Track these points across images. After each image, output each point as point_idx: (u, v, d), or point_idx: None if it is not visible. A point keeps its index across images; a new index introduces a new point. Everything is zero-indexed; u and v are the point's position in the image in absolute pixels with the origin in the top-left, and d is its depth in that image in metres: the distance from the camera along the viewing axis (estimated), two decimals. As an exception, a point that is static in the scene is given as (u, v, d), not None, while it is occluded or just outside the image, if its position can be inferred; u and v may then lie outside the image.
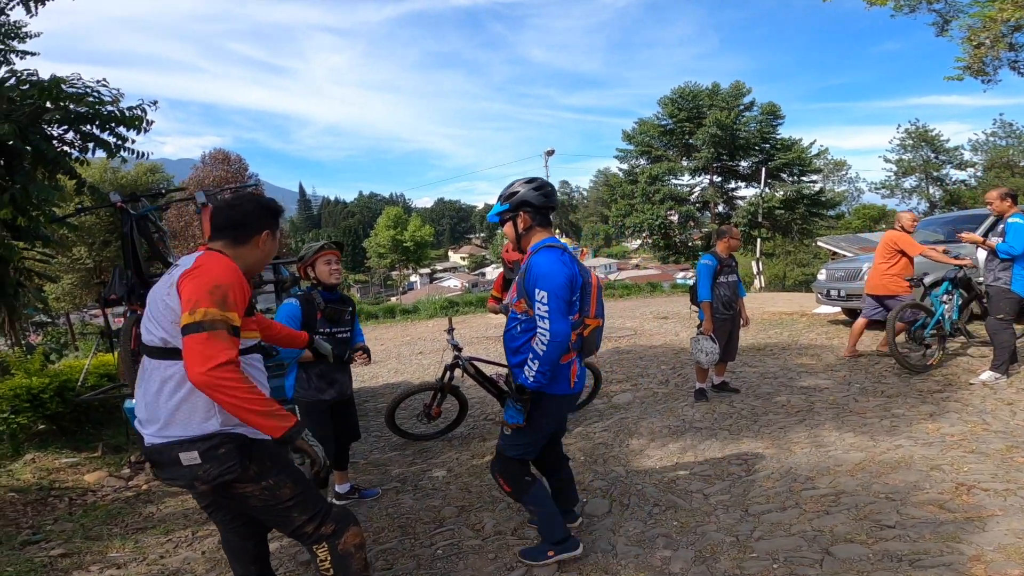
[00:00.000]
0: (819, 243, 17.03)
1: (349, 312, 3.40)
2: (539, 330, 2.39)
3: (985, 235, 5.99)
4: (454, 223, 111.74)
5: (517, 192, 2.56)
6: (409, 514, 3.44)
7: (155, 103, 4.73)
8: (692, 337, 5.04)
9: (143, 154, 4.81)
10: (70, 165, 4.58)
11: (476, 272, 69.30)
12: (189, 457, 1.73)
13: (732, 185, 30.73)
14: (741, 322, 5.28)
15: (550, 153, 25.98)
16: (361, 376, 8.39)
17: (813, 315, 10.14)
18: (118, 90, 4.53)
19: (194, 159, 27.93)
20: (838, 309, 9.16)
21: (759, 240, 25.25)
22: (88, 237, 21.39)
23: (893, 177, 38.86)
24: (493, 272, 58.40)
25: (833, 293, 8.36)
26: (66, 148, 4.57)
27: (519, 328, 2.54)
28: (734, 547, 2.70)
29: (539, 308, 2.39)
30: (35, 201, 4.46)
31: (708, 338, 4.91)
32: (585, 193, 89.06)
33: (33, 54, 5.15)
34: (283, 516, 1.90)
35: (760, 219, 25.71)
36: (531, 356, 2.42)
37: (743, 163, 29.54)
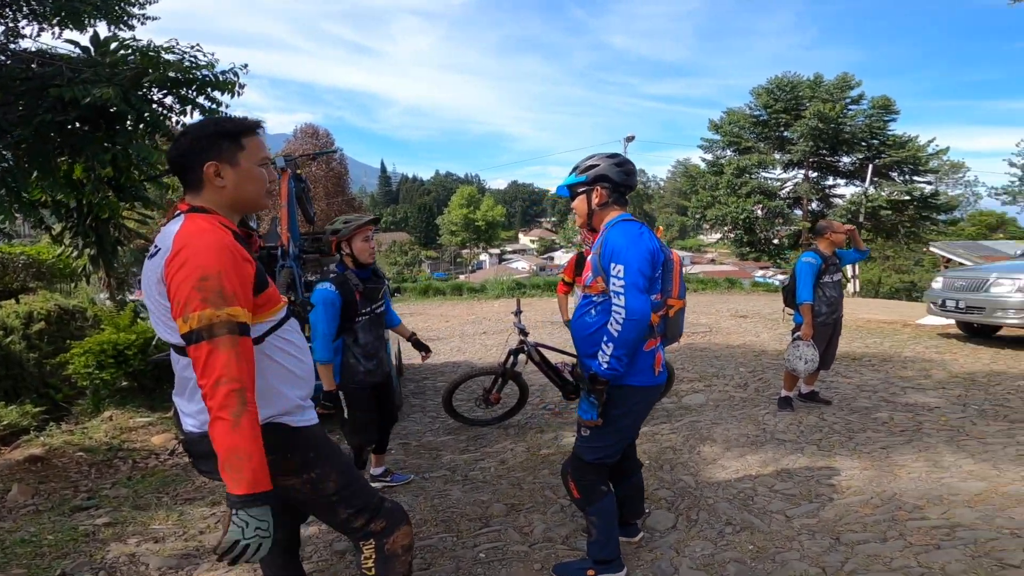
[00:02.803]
0: (932, 248, 15.40)
1: (383, 287, 3.25)
2: (614, 307, 2.12)
3: None
4: (526, 206, 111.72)
5: (597, 165, 2.32)
6: (455, 508, 3.24)
7: (245, 66, 4.83)
8: (790, 342, 4.53)
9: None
10: (168, 127, 4.76)
11: (545, 256, 68.92)
12: None
13: (830, 182, 28.50)
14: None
15: (630, 139, 24.94)
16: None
17: (918, 326, 9.14)
18: (212, 54, 4.66)
19: (288, 134, 29.53)
20: (950, 321, 8.16)
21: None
22: (187, 201, 23.01)
23: (1017, 182, 34.67)
24: (563, 256, 57.70)
25: (950, 304, 7.43)
26: (164, 111, 4.74)
27: (594, 312, 2.26)
28: (822, 583, 2.32)
29: (614, 283, 2.13)
30: (136, 161, 4.67)
31: (809, 344, 4.40)
32: (662, 183, 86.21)
33: (154, 18, 5.37)
34: (328, 509, 1.72)
35: (862, 219, 23.65)
36: (605, 339, 2.15)
37: (845, 159, 27.30)
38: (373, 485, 3.48)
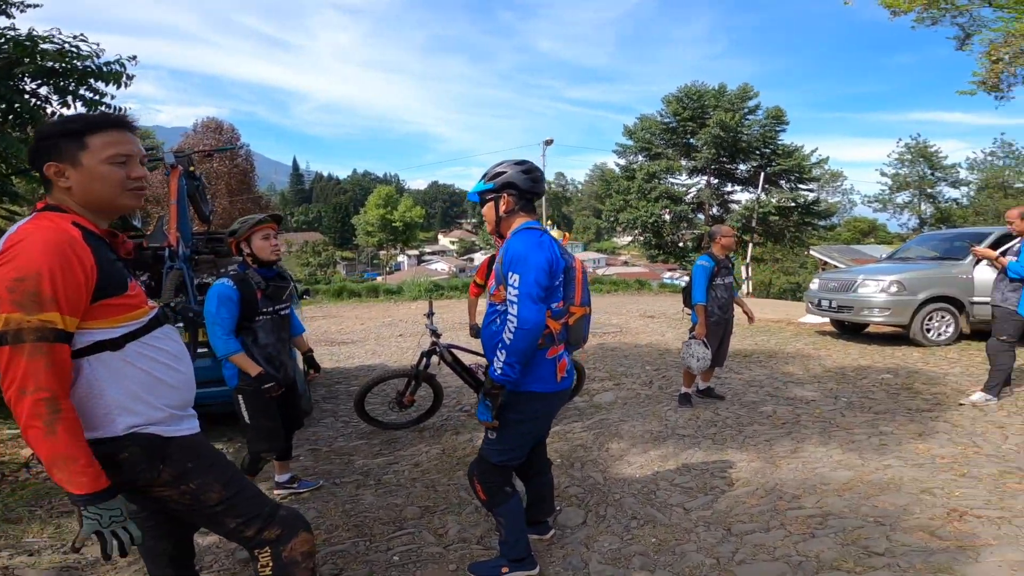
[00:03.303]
0: (812, 252, 17.02)
1: (290, 287, 3.15)
2: (508, 316, 2.16)
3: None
4: (446, 207, 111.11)
5: (504, 172, 2.35)
6: (368, 512, 3.18)
7: (134, 58, 4.64)
8: (684, 341, 4.83)
9: (121, 109, 4.70)
10: (44, 119, 4.45)
11: (465, 257, 68.91)
12: None
13: (728, 188, 30.71)
14: (747, 319, 5.17)
15: (549, 143, 25.56)
16: (336, 356, 8.13)
17: (800, 324, 10.07)
18: (97, 45, 4.43)
19: (188, 128, 27.68)
20: (826, 320, 9.07)
21: (750, 245, 25.25)
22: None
23: (887, 191, 39.14)
24: (482, 258, 57.93)
25: (824, 303, 8.25)
26: (39, 102, 4.45)
27: (499, 320, 2.29)
28: (714, 570, 2.51)
29: (510, 292, 2.17)
30: (2, 155, 4.28)
31: (700, 343, 4.71)
32: (580, 186, 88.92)
33: (35, 5, 4.92)
34: (213, 520, 1.64)
35: (754, 224, 25.69)
36: (500, 346, 2.20)
37: (742, 166, 29.52)
38: (277, 492, 3.36)
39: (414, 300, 16.60)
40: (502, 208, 2.35)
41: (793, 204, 27.83)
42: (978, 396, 4.82)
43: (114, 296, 1.46)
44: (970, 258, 7.22)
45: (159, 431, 1.54)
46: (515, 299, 2.15)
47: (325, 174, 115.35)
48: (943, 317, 7.42)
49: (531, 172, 2.36)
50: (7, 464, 3.92)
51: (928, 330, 7.39)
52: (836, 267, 11.10)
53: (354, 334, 10.48)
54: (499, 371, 2.19)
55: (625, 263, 60.34)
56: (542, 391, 2.32)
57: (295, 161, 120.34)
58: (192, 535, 1.96)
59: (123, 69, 4.48)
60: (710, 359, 4.74)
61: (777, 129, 28.48)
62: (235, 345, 2.88)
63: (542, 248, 2.23)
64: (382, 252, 60.42)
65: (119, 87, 4.49)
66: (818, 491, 3.25)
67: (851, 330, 8.68)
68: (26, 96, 4.26)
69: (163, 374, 1.57)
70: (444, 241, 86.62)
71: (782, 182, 28.67)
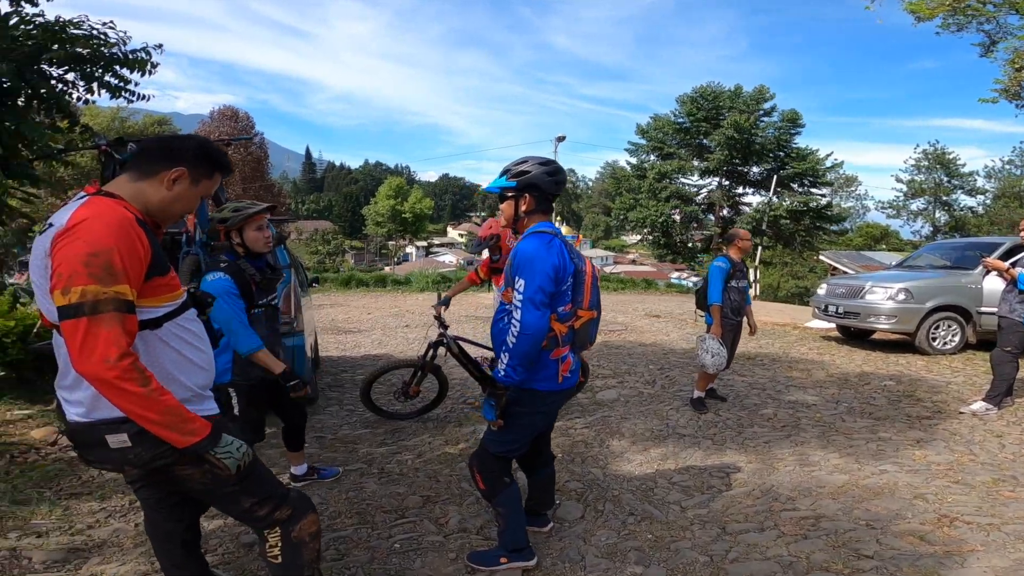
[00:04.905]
0: (821, 257, 16.92)
1: (280, 278, 3.14)
2: (512, 319, 2.21)
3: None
4: (456, 199, 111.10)
5: (529, 172, 2.33)
6: (370, 500, 3.25)
7: (159, 46, 4.62)
8: (699, 336, 4.80)
9: (146, 96, 4.73)
10: (68, 106, 4.48)
11: (473, 250, 68.86)
12: (118, 440, 1.49)
13: (740, 190, 30.50)
14: (748, 330, 5.12)
15: (561, 139, 25.47)
16: (343, 345, 8.23)
17: (805, 328, 10.06)
18: (124, 32, 4.41)
19: (204, 115, 27.97)
20: (832, 325, 9.07)
21: (760, 248, 25.11)
22: (85, 182, 21.11)
23: (902, 197, 38.73)
24: (470, 254, 57.92)
25: (831, 309, 8.26)
26: (65, 88, 4.45)
27: (506, 319, 2.33)
28: (707, 568, 2.57)
29: (516, 296, 2.21)
30: (28, 140, 4.35)
31: (716, 339, 4.66)
32: (591, 183, 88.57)
33: None
34: (229, 499, 1.71)
35: (764, 227, 25.55)
36: (504, 348, 2.25)
37: (755, 169, 29.27)
38: (295, 486, 3.33)
39: (421, 291, 16.70)
40: (522, 207, 2.36)
41: (805, 208, 27.58)
42: (978, 405, 4.83)
43: (160, 276, 1.53)
44: (980, 268, 7.20)
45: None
46: (519, 303, 2.19)
47: (337, 163, 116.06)
48: (950, 326, 7.41)
49: (556, 175, 2.36)
50: (16, 445, 3.98)
51: (934, 339, 7.39)
52: (845, 272, 11.05)
53: (361, 323, 10.59)
54: (503, 373, 2.25)
55: (632, 261, 60.21)
56: (544, 389, 2.37)
57: (308, 150, 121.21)
58: (198, 519, 2.02)
59: (148, 57, 4.46)
60: (726, 357, 4.69)
61: (792, 132, 28.21)
62: (258, 341, 2.77)
63: (550, 253, 2.24)
64: (391, 242, 60.61)
65: (144, 75, 4.48)
66: (813, 494, 3.30)
67: (856, 336, 8.68)
68: (52, 82, 4.26)
69: (191, 354, 1.64)
70: (453, 234, 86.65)
71: (795, 185, 28.44)
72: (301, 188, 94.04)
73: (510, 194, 2.36)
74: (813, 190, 29.05)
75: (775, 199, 26.84)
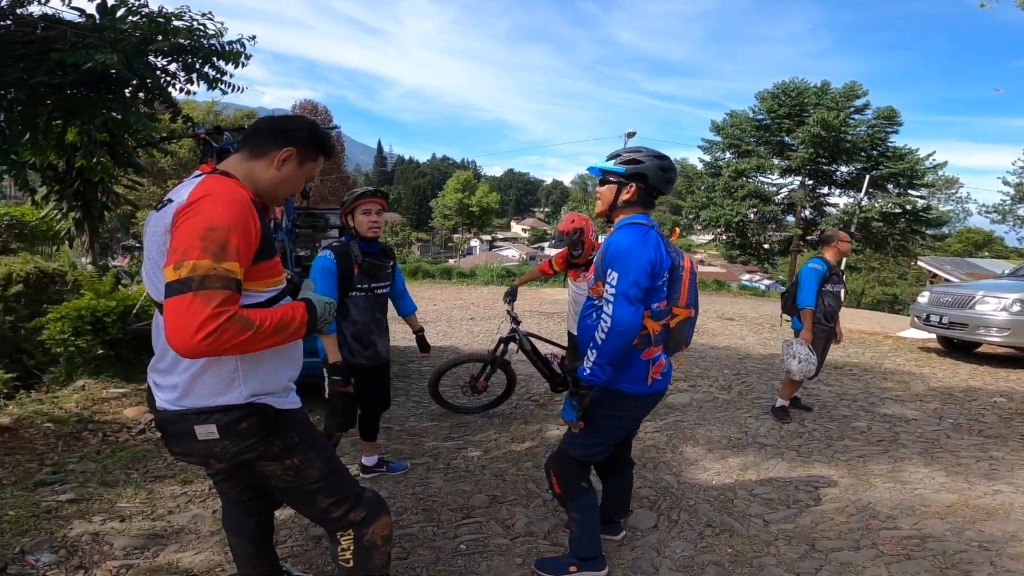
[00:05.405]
0: (920, 263, 15.56)
1: (390, 267, 3.09)
2: (603, 315, 2.06)
3: None
4: (520, 195, 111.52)
5: (641, 162, 2.17)
6: (436, 497, 3.18)
7: (253, 38, 4.72)
8: (785, 341, 4.45)
9: (240, 88, 4.86)
10: (171, 96, 4.66)
11: (535, 245, 68.85)
12: (205, 431, 1.46)
13: (825, 190, 28.63)
14: (834, 338, 4.72)
15: (631, 135, 24.77)
16: (410, 335, 8.31)
17: (899, 338, 9.27)
18: (222, 23, 4.54)
19: (287, 109, 29.47)
20: (931, 336, 8.29)
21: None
22: (183, 172, 22.72)
23: (1008, 201, 35.12)
24: (550, 250, 57.70)
25: (934, 318, 7.53)
26: (167, 78, 4.64)
27: (595, 315, 2.17)
28: (797, 590, 2.35)
29: (607, 290, 2.06)
30: (132, 128, 4.57)
31: (805, 345, 4.31)
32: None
33: None
34: (307, 498, 1.66)
35: (853, 229, 23.85)
36: (591, 345, 2.10)
37: (843, 168, 27.34)
38: (364, 477, 3.36)
39: (486, 285, 16.79)
40: (624, 196, 2.20)
41: (900, 210, 25.48)
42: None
43: (267, 260, 1.51)
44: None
45: (273, 402, 1.56)
46: (611, 298, 2.04)
47: (407, 157, 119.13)
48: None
49: (669, 171, 2.20)
50: (109, 423, 4.13)
51: (1055, 356, 6.57)
52: (948, 280, 10.07)
53: (426, 315, 10.72)
54: (588, 371, 2.11)
55: (701, 262, 58.16)
56: (632, 391, 2.21)
57: (379, 144, 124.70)
58: (272, 514, 2.00)
59: (243, 49, 4.57)
60: (815, 363, 4.32)
61: (888, 130, 26.14)
62: (333, 324, 2.81)
63: (646, 246, 2.10)
64: (456, 235, 61.57)
65: (237, 66, 4.59)
66: (917, 512, 3.05)
67: (960, 348, 7.88)
68: (157, 72, 4.41)
69: (289, 345, 1.60)
70: (517, 228, 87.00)
71: (889, 186, 26.34)
72: (373, 180, 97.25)
73: (614, 179, 2.21)
74: (910, 191, 26.78)
75: (866, 200, 24.96)
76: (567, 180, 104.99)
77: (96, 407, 4.48)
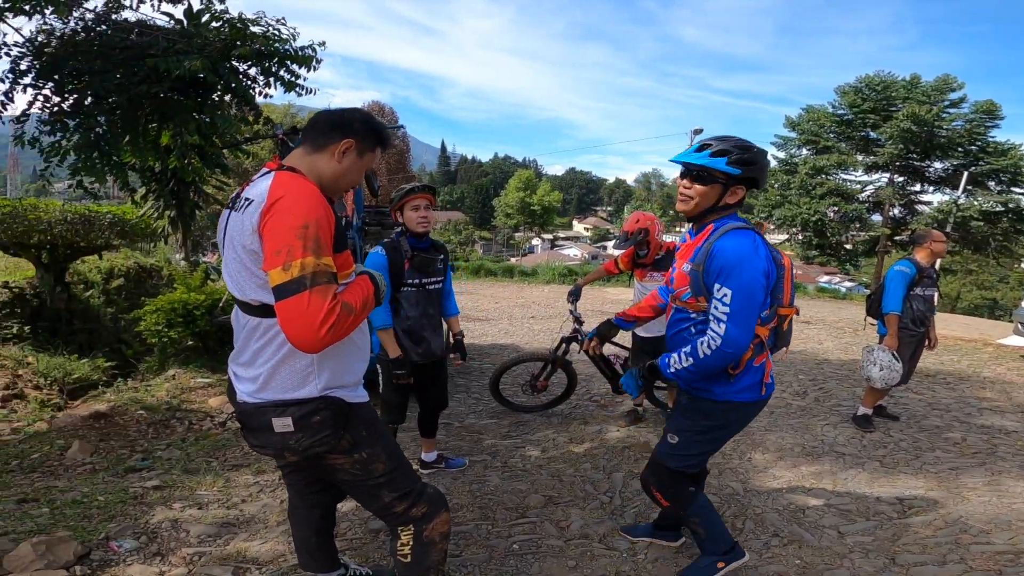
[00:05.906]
0: None
1: (441, 261, 3.08)
2: (710, 331, 1.91)
3: None
4: (582, 193, 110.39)
5: (756, 163, 1.93)
6: (493, 495, 3.16)
7: (323, 43, 4.87)
8: (865, 347, 4.17)
9: (313, 91, 5.02)
10: (253, 99, 4.88)
11: (598, 244, 67.94)
12: (282, 423, 1.50)
13: (917, 187, 26.52)
14: (928, 344, 4.38)
15: (698, 131, 23.92)
16: (471, 333, 8.45)
17: (999, 346, 8.44)
18: (294, 28, 4.72)
19: (356, 112, 30.59)
20: (1039, 345, 7.49)
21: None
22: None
23: None
24: (614, 250, 56.71)
25: (1041, 324, 6.81)
26: (249, 82, 4.86)
27: (693, 330, 2.05)
28: (875, 607, 2.19)
29: (716, 307, 1.89)
30: (220, 131, 4.86)
31: (888, 351, 4.03)
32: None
33: None
34: (372, 492, 1.69)
35: (950, 228, 21.94)
36: (688, 350, 1.98)
37: (937, 164, 25.21)
38: (423, 472, 3.38)
39: (547, 283, 16.77)
40: (729, 199, 1.98)
41: (1002, 209, 23.19)
42: None
43: (339, 253, 1.52)
44: None
45: (344, 395, 1.59)
46: (724, 317, 1.88)
47: (469, 157, 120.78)
48: None
49: (767, 171, 2.03)
50: (195, 412, 4.34)
51: None
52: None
53: (488, 312, 10.84)
54: (672, 371, 2.04)
55: (775, 263, 55.24)
56: (748, 400, 2.08)
57: (443, 144, 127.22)
58: (335, 507, 2.05)
59: (314, 53, 4.73)
60: (900, 371, 4.03)
61: (989, 124, 23.85)
62: (388, 319, 2.85)
63: (758, 255, 1.90)
64: (518, 234, 61.86)
65: (309, 70, 4.75)
66: (1013, 527, 2.81)
67: (1074, 360, 7.08)
68: (240, 76, 4.64)
69: (357, 337, 1.65)
70: (578, 227, 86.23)
71: (991, 183, 24.03)
72: (437, 180, 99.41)
73: (720, 178, 1.94)
74: (1014, 189, 24.32)
75: (964, 198, 22.89)
76: (630, 179, 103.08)
77: (184, 396, 4.77)
